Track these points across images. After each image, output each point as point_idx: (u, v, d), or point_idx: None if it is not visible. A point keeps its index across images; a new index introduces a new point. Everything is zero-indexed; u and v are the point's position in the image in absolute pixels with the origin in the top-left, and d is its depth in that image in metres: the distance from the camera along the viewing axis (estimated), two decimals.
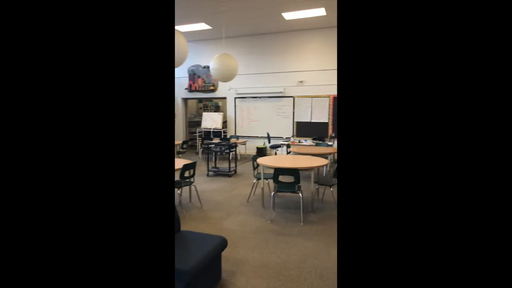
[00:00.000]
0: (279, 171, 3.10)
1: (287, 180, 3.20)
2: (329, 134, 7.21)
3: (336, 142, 7.01)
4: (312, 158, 3.81)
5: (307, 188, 4.25)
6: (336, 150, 4.81)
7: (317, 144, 5.72)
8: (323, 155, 4.48)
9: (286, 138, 6.97)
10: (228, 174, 5.40)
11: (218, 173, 5.52)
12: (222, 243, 1.98)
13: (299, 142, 6.07)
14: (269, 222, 3.12)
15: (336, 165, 3.45)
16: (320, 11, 5.82)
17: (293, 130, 7.60)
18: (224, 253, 2.40)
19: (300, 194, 3.14)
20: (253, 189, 4.08)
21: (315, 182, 3.48)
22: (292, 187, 3.15)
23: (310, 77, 7.33)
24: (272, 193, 3.28)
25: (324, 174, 5.11)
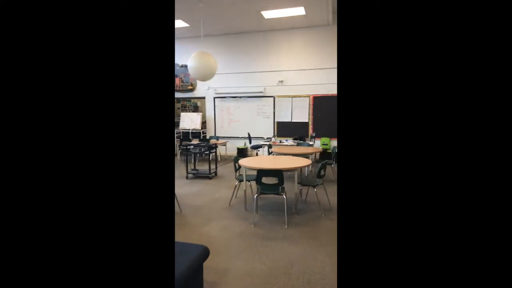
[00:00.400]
0: (262, 172, 2.99)
1: (271, 181, 3.10)
2: (309, 134, 7.21)
3: (316, 141, 7.02)
4: (295, 158, 3.74)
5: (290, 189, 4.17)
6: (317, 150, 4.78)
7: (298, 144, 5.68)
8: (305, 155, 4.44)
9: (267, 138, 6.89)
10: (208, 176, 5.22)
11: (198, 176, 5.32)
12: (204, 253, 1.83)
13: (280, 142, 6.01)
14: (253, 226, 3.00)
15: (320, 165, 3.40)
16: (299, 10, 5.79)
17: (274, 130, 7.54)
18: (206, 263, 2.25)
19: (284, 196, 3.05)
20: (235, 191, 3.95)
21: (298, 183, 3.40)
22: (276, 189, 3.05)
23: (290, 77, 7.30)
24: (255, 195, 3.16)
25: (306, 174, 5.07)
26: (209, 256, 2.36)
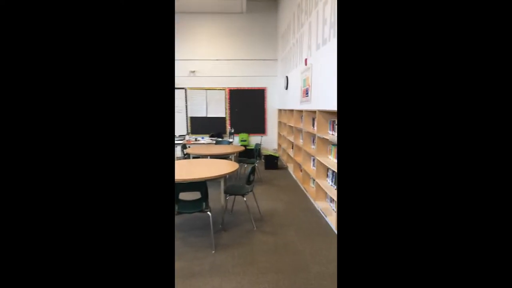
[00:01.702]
0: (179, 186, 2.28)
1: (191, 196, 2.41)
2: (227, 130, 6.70)
3: (235, 138, 6.56)
4: (217, 161, 3.13)
5: (214, 198, 3.55)
6: (240, 149, 4.28)
7: (217, 142, 5.08)
8: (226, 156, 3.89)
9: (180, 136, 6.01)
10: None
11: None
12: None
13: (196, 140, 5.28)
14: None
15: (250, 168, 2.88)
16: None
17: (187, 127, 6.71)
18: None
19: (209, 213, 2.42)
20: None
21: (225, 192, 2.82)
22: (199, 206, 2.39)
23: (204, 67, 6.58)
24: None
25: (227, 176, 4.52)
26: None
